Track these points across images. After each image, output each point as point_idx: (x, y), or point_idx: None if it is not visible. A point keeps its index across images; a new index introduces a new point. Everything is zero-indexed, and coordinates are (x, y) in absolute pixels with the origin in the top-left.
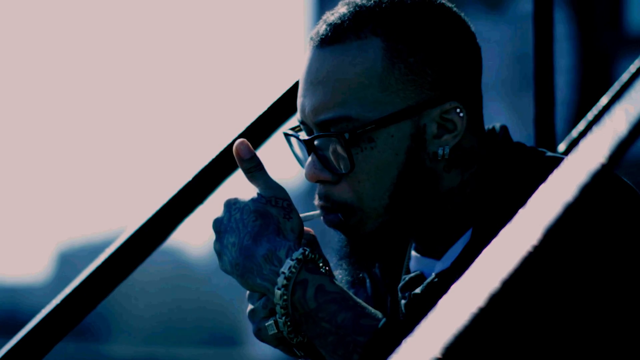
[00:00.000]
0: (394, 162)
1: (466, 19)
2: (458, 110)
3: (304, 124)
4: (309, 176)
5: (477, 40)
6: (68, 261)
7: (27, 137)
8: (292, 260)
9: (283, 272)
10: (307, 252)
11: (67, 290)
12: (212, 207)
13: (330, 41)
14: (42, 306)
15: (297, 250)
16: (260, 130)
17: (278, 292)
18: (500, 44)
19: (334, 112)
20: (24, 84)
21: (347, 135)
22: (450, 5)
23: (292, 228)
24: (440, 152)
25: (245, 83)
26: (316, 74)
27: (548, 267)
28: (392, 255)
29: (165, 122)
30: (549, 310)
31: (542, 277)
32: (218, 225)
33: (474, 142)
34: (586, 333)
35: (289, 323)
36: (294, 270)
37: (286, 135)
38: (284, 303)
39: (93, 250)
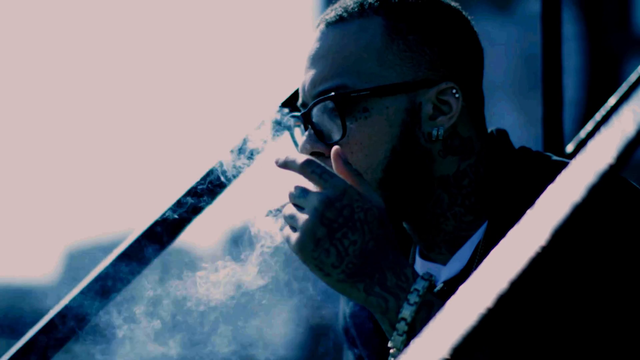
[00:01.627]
0: (388, 134)
1: (468, 16)
2: (454, 91)
3: (304, 106)
4: (302, 149)
5: (483, 40)
6: (76, 262)
7: (35, 138)
8: (425, 280)
9: (417, 290)
10: (432, 275)
11: (76, 290)
12: (219, 208)
13: (334, 21)
14: (50, 307)
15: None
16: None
17: (410, 308)
18: (508, 45)
19: (331, 82)
20: (31, 84)
21: (340, 99)
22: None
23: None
24: (434, 132)
25: (251, 85)
26: (318, 50)
27: (555, 268)
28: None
29: (173, 123)
30: (556, 311)
31: (550, 278)
32: (335, 213)
33: (472, 132)
34: (594, 333)
35: (406, 342)
36: (426, 290)
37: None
38: (411, 320)
39: (101, 251)
